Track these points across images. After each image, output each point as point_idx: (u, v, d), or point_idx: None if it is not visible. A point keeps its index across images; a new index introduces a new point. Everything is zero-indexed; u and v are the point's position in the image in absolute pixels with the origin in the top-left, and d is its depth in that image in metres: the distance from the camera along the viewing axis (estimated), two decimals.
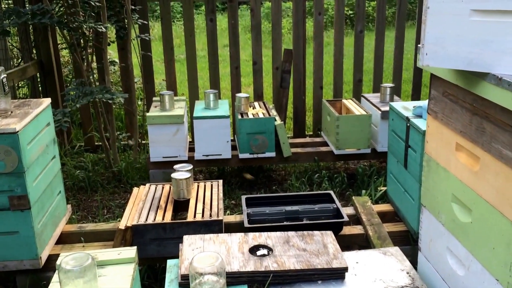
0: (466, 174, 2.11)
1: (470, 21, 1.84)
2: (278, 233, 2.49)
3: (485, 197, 1.99)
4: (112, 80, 5.86)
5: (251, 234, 2.48)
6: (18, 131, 2.63)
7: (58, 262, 1.92)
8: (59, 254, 2.37)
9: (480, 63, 1.86)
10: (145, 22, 4.87)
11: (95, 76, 4.87)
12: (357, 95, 5.23)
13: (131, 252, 2.22)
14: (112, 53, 6.69)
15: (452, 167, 2.23)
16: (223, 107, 4.40)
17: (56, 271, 1.93)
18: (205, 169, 4.76)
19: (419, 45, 1.99)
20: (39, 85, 5.10)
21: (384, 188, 3.88)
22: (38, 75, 5.01)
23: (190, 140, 4.75)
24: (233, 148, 4.42)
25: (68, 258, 1.90)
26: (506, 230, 1.87)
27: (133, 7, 4.67)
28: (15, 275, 2.96)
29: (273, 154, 4.33)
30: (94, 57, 4.79)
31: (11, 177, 2.69)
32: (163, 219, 2.98)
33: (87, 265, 1.87)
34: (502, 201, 1.88)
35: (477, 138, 2.01)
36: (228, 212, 3.93)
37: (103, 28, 4.24)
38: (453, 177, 2.22)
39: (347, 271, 2.27)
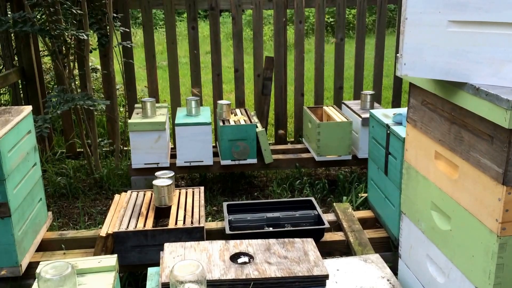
0: (445, 182, 2.13)
1: (447, 31, 1.87)
2: (259, 241, 2.50)
3: (464, 205, 2.01)
4: (94, 87, 5.83)
5: (232, 242, 2.48)
6: None
7: (37, 271, 1.90)
8: (39, 261, 2.36)
9: (457, 73, 1.89)
10: (127, 29, 4.86)
11: (77, 83, 4.85)
12: (338, 102, 5.26)
13: (111, 260, 2.21)
14: (94, 60, 6.66)
15: (431, 175, 2.25)
16: (205, 114, 4.40)
17: (36, 279, 1.92)
18: (187, 175, 4.76)
19: (397, 55, 2.01)
20: (21, 92, 5.06)
21: (365, 195, 3.90)
22: (19, 82, 4.97)
23: (172, 146, 4.74)
24: (215, 154, 4.43)
25: (47, 267, 1.89)
26: (484, 237, 1.89)
27: (115, 14, 4.66)
28: None
29: (254, 160, 4.34)
30: (76, 64, 4.77)
31: None
32: (144, 226, 2.97)
33: (66, 274, 1.86)
34: (481, 209, 1.90)
35: (455, 146, 2.04)
36: (209, 218, 3.92)
37: (84, 35, 4.23)
38: (432, 185, 2.24)
39: (328, 279, 2.27)
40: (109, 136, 5.21)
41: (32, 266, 2.91)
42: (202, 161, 4.31)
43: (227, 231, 3.09)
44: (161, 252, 2.42)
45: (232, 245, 2.45)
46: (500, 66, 1.81)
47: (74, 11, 4.26)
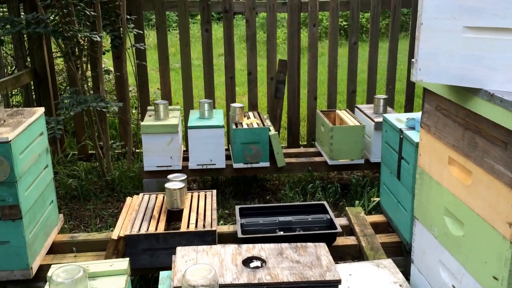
0: (459, 187, 2.11)
1: (462, 37, 1.85)
2: (271, 245, 2.49)
3: (477, 211, 1.99)
4: (106, 89, 5.85)
5: (244, 246, 2.47)
6: (10, 141, 2.63)
7: (49, 274, 1.91)
8: (50, 264, 2.36)
9: (472, 79, 1.87)
10: (140, 31, 4.88)
11: (89, 84, 4.87)
12: (351, 106, 5.25)
13: (123, 263, 2.20)
14: (107, 61, 6.68)
15: (445, 181, 2.23)
16: (218, 117, 4.40)
17: (47, 282, 1.93)
18: (199, 178, 4.75)
19: (412, 60, 2.00)
20: (33, 93, 5.08)
21: (377, 199, 3.88)
22: (32, 83, 4.99)
23: (184, 149, 4.74)
24: (227, 157, 4.42)
25: (59, 270, 1.89)
26: (497, 244, 1.88)
27: (128, 16, 4.67)
28: (6, 285, 2.94)
29: (267, 164, 4.33)
30: (89, 66, 4.79)
31: (2, 186, 2.68)
32: (156, 229, 2.97)
33: (78, 277, 1.86)
34: (494, 215, 1.88)
35: (469, 152, 2.02)
36: (221, 222, 3.92)
37: (98, 37, 4.24)
38: (445, 190, 2.23)
39: (340, 284, 2.26)
40: (121, 138, 5.22)
41: (43, 268, 2.92)
42: (215, 164, 4.30)
43: (239, 235, 3.08)
44: (173, 255, 2.42)
45: (245, 249, 2.44)
46: None
47: (88, 13, 4.27)
